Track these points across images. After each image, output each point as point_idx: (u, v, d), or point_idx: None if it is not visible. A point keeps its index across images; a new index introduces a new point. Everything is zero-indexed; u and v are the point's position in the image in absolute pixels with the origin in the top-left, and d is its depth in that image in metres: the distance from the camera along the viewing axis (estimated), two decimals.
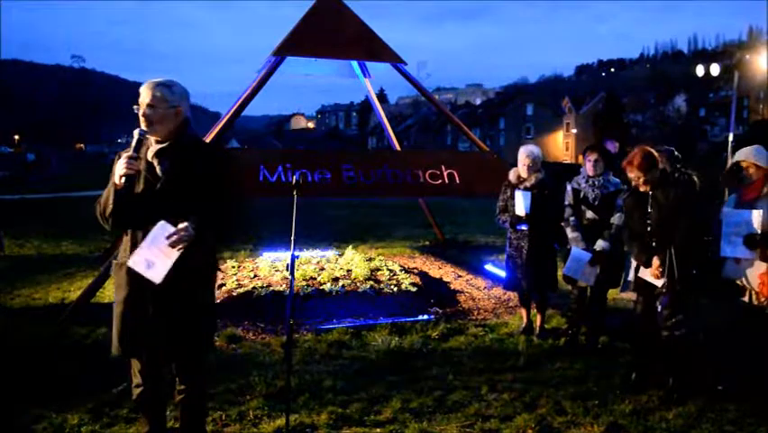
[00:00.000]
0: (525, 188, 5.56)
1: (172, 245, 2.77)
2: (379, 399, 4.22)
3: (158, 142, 2.93)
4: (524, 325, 5.78)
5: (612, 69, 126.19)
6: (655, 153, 4.36)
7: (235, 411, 3.99)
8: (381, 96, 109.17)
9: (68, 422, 3.80)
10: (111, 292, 4.29)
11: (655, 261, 4.26)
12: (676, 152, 5.11)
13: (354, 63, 9.30)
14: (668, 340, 4.27)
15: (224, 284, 6.92)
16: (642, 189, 4.37)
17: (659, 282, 4.29)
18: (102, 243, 9.77)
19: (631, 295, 5.02)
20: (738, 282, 4.29)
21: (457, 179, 7.59)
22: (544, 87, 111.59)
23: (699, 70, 28.43)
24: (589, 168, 5.32)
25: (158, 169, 2.90)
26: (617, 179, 5.38)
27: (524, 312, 5.83)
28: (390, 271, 7.43)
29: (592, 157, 5.31)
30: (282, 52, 7.46)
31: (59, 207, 17.32)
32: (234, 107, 7.68)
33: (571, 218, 5.36)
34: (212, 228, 2.91)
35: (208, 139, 7.29)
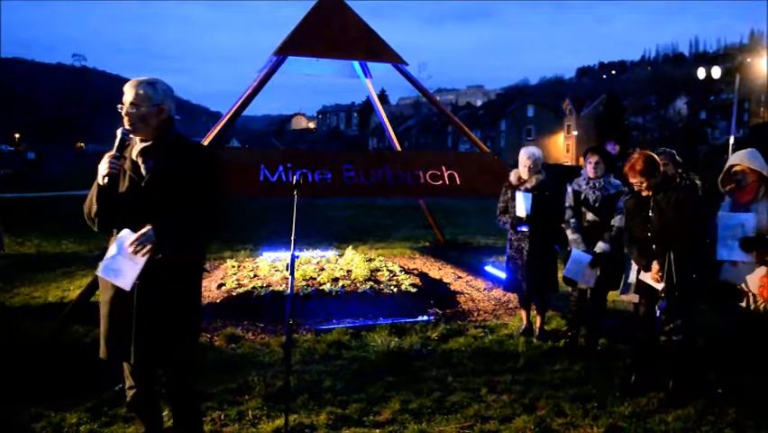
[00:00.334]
0: (526, 190, 5.56)
1: (134, 252, 2.76)
2: (379, 399, 4.22)
3: (142, 140, 2.92)
4: (523, 326, 5.77)
5: (613, 72, 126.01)
6: (657, 158, 4.35)
7: (234, 411, 3.98)
8: (382, 97, 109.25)
9: (66, 421, 3.80)
10: None
11: (655, 265, 4.27)
12: (677, 156, 5.11)
13: (355, 63, 9.30)
14: (666, 345, 4.27)
15: (223, 284, 6.92)
16: (643, 193, 4.37)
17: (659, 286, 4.29)
18: (102, 241, 9.74)
19: (631, 297, 5.02)
20: (737, 286, 4.29)
21: (457, 180, 7.59)
22: (545, 89, 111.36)
23: (701, 73, 28.47)
24: (589, 170, 5.31)
25: (142, 168, 2.89)
26: (618, 181, 5.37)
27: (524, 314, 5.83)
28: (390, 271, 7.43)
29: (593, 159, 5.30)
30: (283, 52, 7.47)
31: (60, 205, 17.32)
32: (235, 107, 7.69)
33: (572, 220, 5.35)
34: (195, 227, 2.91)
35: (209, 138, 7.30)
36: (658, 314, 4.25)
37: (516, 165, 5.78)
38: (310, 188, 6.90)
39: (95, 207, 2.85)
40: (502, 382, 4.55)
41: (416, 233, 12.34)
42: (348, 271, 7.25)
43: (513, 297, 6.67)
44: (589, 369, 4.85)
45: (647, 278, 4.38)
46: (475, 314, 6.47)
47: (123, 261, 2.80)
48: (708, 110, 67.91)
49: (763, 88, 52.45)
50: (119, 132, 2.86)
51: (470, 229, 13.04)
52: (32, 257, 9.51)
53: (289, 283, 3.65)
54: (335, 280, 6.85)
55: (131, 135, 2.91)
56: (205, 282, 7.24)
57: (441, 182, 7.55)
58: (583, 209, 5.33)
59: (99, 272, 2.86)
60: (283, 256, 7.97)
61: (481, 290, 7.38)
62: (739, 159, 4.46)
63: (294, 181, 3.65)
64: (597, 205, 5.26)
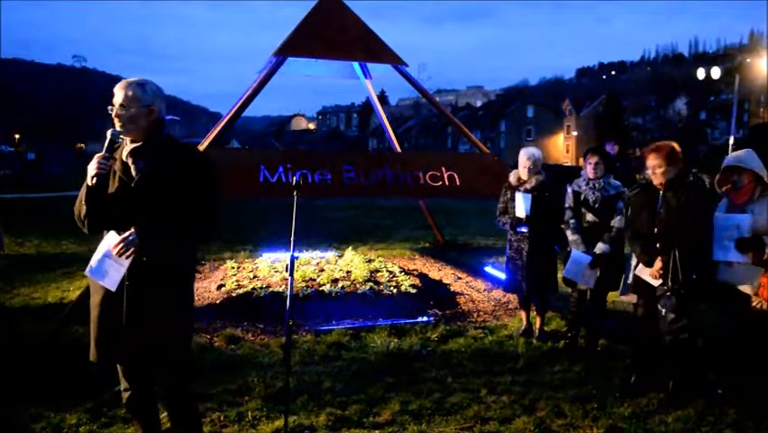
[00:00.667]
0: (526, 191, 5.56)
1: (118, 254, 2.77)
2: (378, 400, 4.22)
3: (132, 141, 2.92)
4: (523, 327, 5.77)
5: (613, 72, 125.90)
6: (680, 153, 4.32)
7: (234, 412, 3.98)
8: (382, 98, 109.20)
9: (66, 421, 3.80)
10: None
11: (658, 261, 4.23)
12: None
13: (355, 64, 9.30)
14: (671, 344, 4.25)
15: (223, 285, 6.92)
16: (655, 181, 4.28)
17: (656, 283, 4.28)
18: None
19: (631, 298, 5.01)
20: (735, 287, 4.29)
21: (457, 180, 7.59)
22: (545, 90, 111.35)
23: (700, 73, 28.53)
24: (589, 170, 5.31)
25: (132, 168, 2.89)
26: (618, 182, 5.38)
27: (523, 314, 5.83)
28: (390, 272, 7.43)
29: (593, 160, 5.30)
30: (283, 53, 7.47)
31: (59, 206, 17.29)
32: (235, 108, 7.68)
33: (572, 221, 5.35)
34: (185, 228, 2.90)
35: (209, 139, 7.30)
36: (663, 312, 4.22)
37: (515, 166, 5.78)
38: (310, 189, 6.90)
39: (84, 209, 2.85)
40: (502, 383, 4.55)
41: (415, 234, 12.34)
42: (348, 271, 7.25)
43: (513, 298, 6.67)
44: (589, 370, 4.85)
45: (645, 274, 4.35)
46: (475, 315, 6.47)
47: (110, 262, 2.82)
48: (707, 110, 67.92)
49: (763, 89, 52.46)
50: (109, 133, 2.86)
51: (470, 230, 13.04)
52: (31, 258, 9.51)
53: (289, 284, 3.65)
54: (335, 281, 6.85)
55: (121, 136, 2.91)
56: (204, 283, 7.26)
57: (441, 183, 7.54)
58: (583, 210, 5.33)
59: (88, 273, 2.89)
60: (283, 257, 7.97)
61: (481, 291, 7.38)
62: (735, 160, 4.46)
63: (294, 182, 3.65)
64: (596, 206, 5.26)
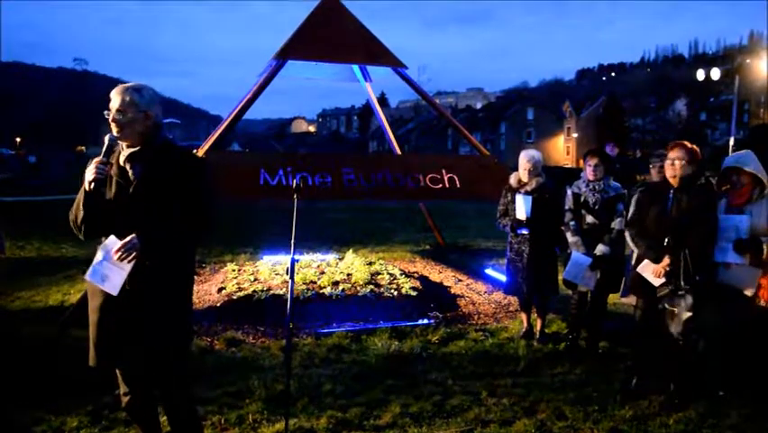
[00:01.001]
0: (526, 193, 5.56)
1: (120, 259, 2.78)
2: (379, 403, 4.22)
3: (129, 146, 2.92)
4: (524, 329, 5.77)
5: (613, 74, 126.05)
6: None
7: (234, 415, 3.98)
8: (382, 100, 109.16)
9: (66, 425, 3.80)
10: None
11: (666, 259, 4.21)
12: None
13: (355, 67, 9.31)
14: (685, 345, 4.22)
15: (224, 287, 6.92)
16: (670, 173, 4.27)
17: (657, 282, 4.27)
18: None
19: (631, 300, 5.02)
20: (739, 288, 4.29)
21: (458, 183, 7.60)
22: (545, 91, 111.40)
23: (700, 75, 28.51)
24: (589, 172, 5.32)
25: (130, 173, 2.89)
26: (617, 184, 5.38)
27: (524, 316, 5.83)
28: (390, 275, 7.42)
29: (592, 161, 5.30)
30: (283, 56, 7.48)
31: (60, 209, 17.28)
32: (236, 111, 7.69)
33: (572, 223, 5.35)
34: (183, 232, 2.91)
35: (209, 142, 7.31)
36: (676, 312, 4.13)
37: (516, 168, 5.78)
38: (310, 192, 6.91)
39: (81, 214, 2.85)
40: (503, 386, 4.55)
41: (416, 236, 12.34)
42: (348, 274, 7.25)
43: (513, 300, 6.66)
44: (590, 372, 4.85)
45: (647, 272, 4.34)
46: (475, 317, 6.46)
47: (110, 266, 2.82)
48: (707, 111, 67.90)
49: (763, 90, 52.47)
50: (106, 138, 2.88)
51: (471, 232, 13.04)
52: (32, 261, 9.51)
53: (290, 287, 3.65)
54: (336, 283, 6.85)
55: (118, 141, 2.92)
56: (205, 286, 7.26)
57: (441, 185, 7.55)
58: (583, 212, 5.33)
59: (87, 277, 2.88)
60: (283, 260, 7.97)
61: (482, 294, 7.37)
62: (735, 160, 4.47)
63: (294, 185, 3.66)
64: (596, 207, 5.26)
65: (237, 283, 6.99)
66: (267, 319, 5.98)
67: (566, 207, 5.41)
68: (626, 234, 4.74)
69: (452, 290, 7.47)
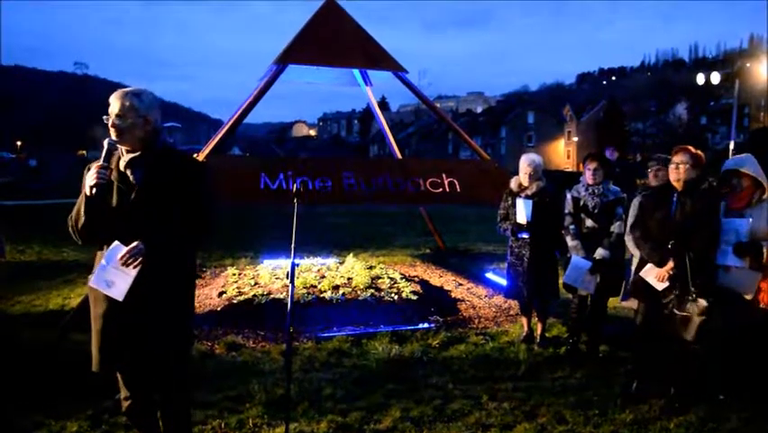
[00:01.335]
0: (527, 197, 5.56)
1: (125, 265, 2.79)
2: (379, 407, 4.21)
3: (128, 151, 2.93)
4: (524, 333, 5.77)
5: (613, 77, 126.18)
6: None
7: (234, 419, 3.98)
8: (383, 104, 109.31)
9: (67, 429, 3.80)
10: None
11: (670, 263, 4.21)
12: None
13: (356, 71, 9.33)
14: (697, 350, 4.20)
15: (224, 292, 6.92)
16: (674, 177, 4.27)
17: (660, 286, 4.26)
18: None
19: (632, 304, 5.01)
20: (738, 291, 4.30)
21: (458, 187, 7.61)
22: (546, 95, 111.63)
23: (700, 78, 28.57)
24: (588, 176, 5.32)
25: (131, 178, 2.90)
26: (617, 188, 5.39)
27: (524, 320, 5.82)
28: (391, 279, 7.42)
29: (592, 165, 5.31)
30: (284, 60, 7.50)
31: (61, 213, 17.29)
32: (236, 115, 7.71)
33: (571, 227, 5.35)
34: (185, 236, 2.93)
35: (210, 146, 7.32)
36: (689, 316, 4.08)
37: (516, 172, 5.79)
38: (310, 196, 6.92)
39: (82, 219, 2.85)
40: (503, 390, 4.54)
41: (416, 240, 12.34)
42: (349, 278, 7.25)
43: (514, 304, 6.66)
44: (591, 376, 4.84)
45: (650, 276, 4.33)
46: (476, 321, 6.46)
47: (115, 272, 2.82)
48: (708, 115, 67.97)
49: (763, 93, 52.55)
50: (106, 142, 2.87)
51: (471, 236, 13.04)
52: (32, 265, 9.51)
53: (290, 291, 3.65)
54: (336, 287, 6.85)
55: (117, 146, 2.92)
56: (205, 290, 7.26)
57: (441, 190, 7.56)
58: (582, 216, 5.33)
59: (92, 283, 2.88)
60: (284, 264, 7.97)
61: (482, 298, 7.37)
62: (735, 163, 4.48)
63: (294, 189, 3.66)
64: (596, 211, 5.26)
65: (237, 287, 6.99)
66: (267, 323, 5.97)
67: (566, 211, 5.41)
68: (628, 238, 4.75)
69: (453, 294, 7.47)
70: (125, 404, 3.10)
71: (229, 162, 8.13)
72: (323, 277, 7.29)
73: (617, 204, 5.25)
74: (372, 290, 6.79)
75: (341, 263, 8.25)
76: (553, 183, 5.82)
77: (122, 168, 2.92)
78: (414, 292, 6.87)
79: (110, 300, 2.85)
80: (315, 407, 4.18)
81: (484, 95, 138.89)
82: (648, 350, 4.50)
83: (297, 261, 3.66)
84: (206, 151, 7.09)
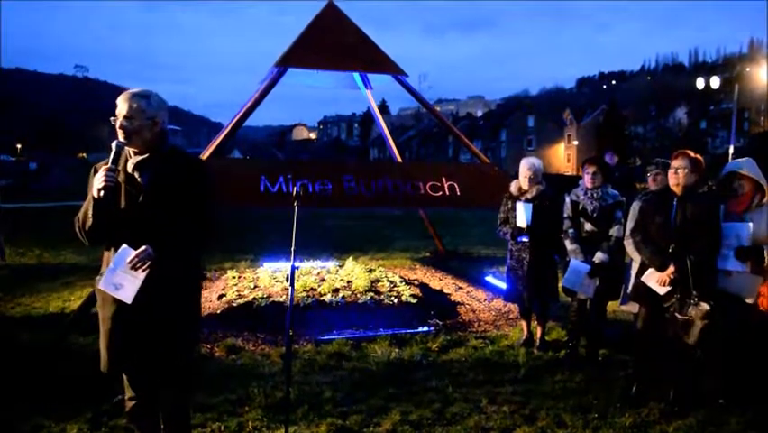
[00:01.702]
0: (527, 200, 5.57)
1: (133, 268, 2.80)
2: (379, 410, 4.21)
3: (136, 153, 2.93)
4: (524, 337, 5.77)
5: (613, 82, 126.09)
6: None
7: (234, 422, 3.97)
8: (383, 108, 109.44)
9: (66, 431, 3.80)
10: None
11: (671, 267, 4.21)
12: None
13: (356, 75, 9.34)
14: (701, 355, 4.20)
15: (224, 295, 6.92)
16: (674, 182, 4.28)
17: (662, 291, 4.27)
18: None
19: (631, 307, 5.02)
20: (739, 295, 4.30)
21: (458, 190, 7.61)
22: (546, 99, 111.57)
23: (700, 83, 28.63)
24: (587, 180, 5.33)
25: (139, 180, 2.91)
26: (616, 192, 5.39)
27: (524, 324, 5.82)
28: (391, 282, 7.43)
29: (591, 169, 5.32)
30: (284, 64, 7.51)
31: (61, 216, 17.32)
32: (237, 118, 7.72)
33: (570, 230, 5.36)
34: (192, 239, 2.94)
35: (210, 149, 7.32)
36: (690, 320, 4.07)
37: (516, 175, 5.80)
38: (310, 199, 6.92)
39: (90, 221, 2.85)
40: (503, 393, 4.54)
41: (416, 243, 12.34)
42: (348, 281, 7.25)
43: (513, 307, 6.66)
44: (590, 380, 4.84)
45: (651, 281, 4.34)
46: (476, 325, 6.46)
47: (123, 275, 2.83)
48: (708, 119, 67.96)
49: (763, 98, 52.56)
50: (114, 144, 2.87)
51: (471, 239, 13.05)
52: (32, 267, 9.52)
53: (290, 294, 3.66)
54: (336, 290, 6.85)
55: (125, 148, 2.93)
56: (205, 293, 7.25)
57: (441, 193, 7.56)
58: (581, 219, 5.34)
59: (100, 286, 2.88)
60: (283, 267, 7.98)
61: (482, 301, 7.37)
62: (736, 166, 4.48)
63: (294, 192, 3.67)
64: (595, 215, 5.27)
65: (237, 290, 7.00)
66: (267, 327, 5.97)
67: (564, 215, 5.42)
68: (628, 242, 4.75)
69: (453, 298, 7.47)
70: (129, 404, 3.11)
71: (229, 165, 8.13)
72: (322, 280, 7.30)
73: (615, 208, 5.26)
74: (372, 294, 6.79)
75: (340, 266, 8.26)
76: (552, 187, 5.82)
77: (129, 170, 2.92)
78: (413, 295, 6.87)
79: (118, 302, 2.87)
80: (314, 410, 4.17)
81: (484, 98, 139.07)
82: (648, 354, 4.50)
83: (296, 264, 3.66)
84: (207, 153, 7.09)
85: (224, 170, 6.97)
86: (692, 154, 4.31)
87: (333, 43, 7.68)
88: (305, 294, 6.66)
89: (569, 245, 5.33)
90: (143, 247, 2.80)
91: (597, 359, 5.31)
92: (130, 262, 2.80)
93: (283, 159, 50.34)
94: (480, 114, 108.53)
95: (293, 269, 3.60)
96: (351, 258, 8.74)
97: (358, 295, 6.71)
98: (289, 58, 7.55)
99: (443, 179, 7.65)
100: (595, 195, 5.29)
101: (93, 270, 8.47)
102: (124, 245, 2.84)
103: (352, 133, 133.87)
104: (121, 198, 2.89)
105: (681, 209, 4.26)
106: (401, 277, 7.95)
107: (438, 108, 11.61)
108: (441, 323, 6.36)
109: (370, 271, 8.11)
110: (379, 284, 7.28)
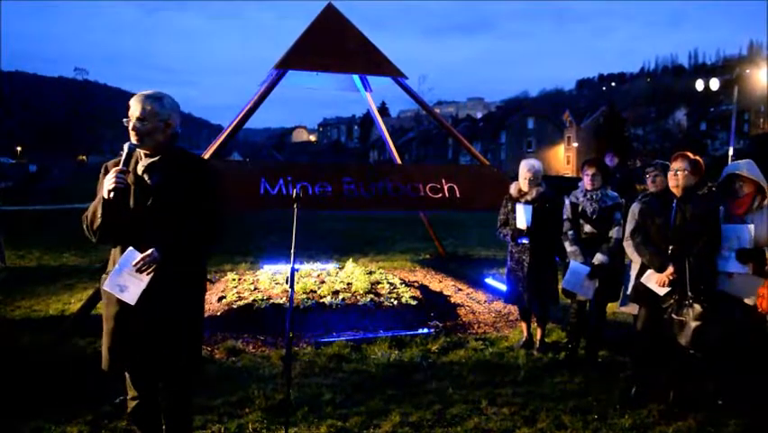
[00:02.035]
0: (527, 202, 5.58)
1: (139, 271, 2.81)
2: (379, 412, 4.21)
3: (147, 155, 2.94)
4: (524, 338, 5.77)
5: (613, 83, 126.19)
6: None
7: (234, 424, 3.98)
8: (383, 110, 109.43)
9: None
10: None
11: (670, 268, 4.22)
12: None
13: (356, 77, 9.36)
14: (694, 356, 4.19)
15: (224, 297, 6.92)
16: (673, 183, 4.29)
17: (662, 292, 4.27)
18: (103, 254, 9.77)
19: (631, 309, 5.02)
20: (739, 297, 4.30)
21: (457, 192, 7.62)
22: (546, 101, 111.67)
23: (699, 85, 28.64)
24: (587, 182, 5.33)
25: (148, 182, 2.91)
26: (615, 193, 5.40)
27: (524, 326, 5.83)
28: (391, 284, 7.43)
29: (590, 171, 5.33)
30: (284, 66, 7.52)
31: (61, 218, 17.34)
32: (236, 120, 7.73)
33: (570, 232, 5.36)
34: (198, 240, 2.95)
35: (210, 151, 7.33)
36: (684, 322, 4.09)
37: (516, 177, 5.80)
38: (310, 201, 6.92)
39: (98, 221, 2.86)
40: (502, 395, 4.55)
41: (416, 245, 12.35)
42: (348, 283, 7.26)
43: (513, 309, 6.67)
44: (590, 381, 4.85)
45: (651, 282, 4.34)
46: (475, 326, 6.46)
47: (128, 277, 2.84)
48: (708, 121, 68.02)
49: (763, 99, 52.64)
50: (126, 146, 2.88)
51: (471, 241, 13.05)
52: (32, 270, 9.51)
53: (290, 296, 3.66)
54: (336, 292, 6.86)
55: (136, 150, 2.93)
56: (205, 295, 7.26)
57: (441, 195, 7.57)
58: (581, 221, 5.34)
59: (105, 287, 2.89)
60: (283, 269, 7.98)
61: (482, 303, 7.38)
62: (737, 168, 4.48)
63: (294, 194, 3.68)
64: (594, 217, 5.27)
65: (237, 292, 7.00)
66: (267, 328, 5.98)
67: (564, 217, 5.42)
68: (627, 244, 4.75)
69: (452, 300, 7.47)
70: (131, 404, 3.11)
71: (229, 167, 8.14)
72: (322, 282, 7.31)
73: (615, 209, 5.26)
74: (372, 295, 6.80)
75: (340, 268, 8.26)
76: (552, 189, 5.83)
77: (139, 172, 2.93)
78: (413, 297, 6.88)
79: (122, 302, 2.87)
80: (314, 412, 4.18)
81: (484, 100, 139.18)
82: (647, 355, 4.50)
83: (296, 266, 3.67)
84: (207, 155, 7.10)
85: (224, 172, 6.97)
86: (692, 156, 4.32)
87: (332, 46, 7.70)
88: (305, 296, 6.66)
89: (568, 247, 5.34)
90: (149, 251, 2.82)
91: (596, 361, 5.31)
92: (135, 265, 2.81)
93: (283, 161, 50.36)
94: (479, 116, 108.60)
95: (293, 271, 3.61)
96: (350, 260, 8.74)
97: (358, 297, 6.72)
98: (289, 60, 7.56)
99: (443, 181, 7.66)
100: (594, 197, 5.30)
101: (93, 272, 8.53)
102: (130, 248, 2.86)
103: (352, 135, 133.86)
104: (130, 199, 2.90)
105: (681, 211, 4.26)
106: (401, 279, 7.95)
107: (438, 110, 11.64)
108: (441, 325, 6.36)
109: (370, 273, 8.12)
110: (379, 286, 7.29)
